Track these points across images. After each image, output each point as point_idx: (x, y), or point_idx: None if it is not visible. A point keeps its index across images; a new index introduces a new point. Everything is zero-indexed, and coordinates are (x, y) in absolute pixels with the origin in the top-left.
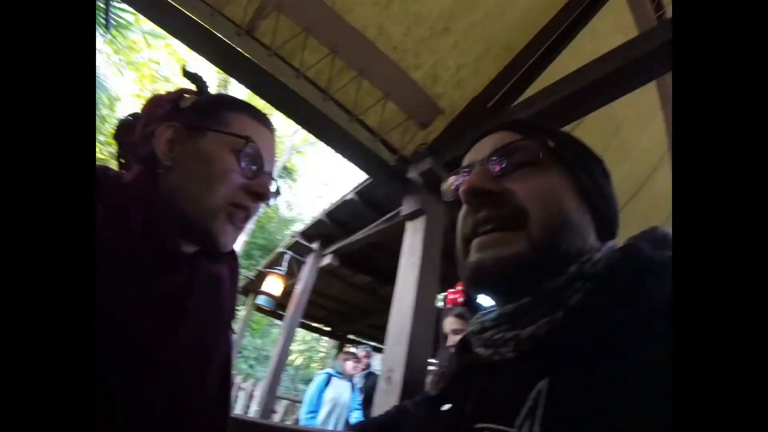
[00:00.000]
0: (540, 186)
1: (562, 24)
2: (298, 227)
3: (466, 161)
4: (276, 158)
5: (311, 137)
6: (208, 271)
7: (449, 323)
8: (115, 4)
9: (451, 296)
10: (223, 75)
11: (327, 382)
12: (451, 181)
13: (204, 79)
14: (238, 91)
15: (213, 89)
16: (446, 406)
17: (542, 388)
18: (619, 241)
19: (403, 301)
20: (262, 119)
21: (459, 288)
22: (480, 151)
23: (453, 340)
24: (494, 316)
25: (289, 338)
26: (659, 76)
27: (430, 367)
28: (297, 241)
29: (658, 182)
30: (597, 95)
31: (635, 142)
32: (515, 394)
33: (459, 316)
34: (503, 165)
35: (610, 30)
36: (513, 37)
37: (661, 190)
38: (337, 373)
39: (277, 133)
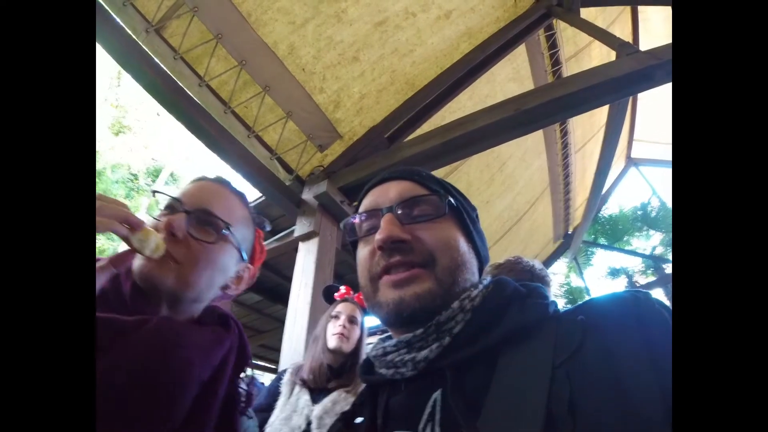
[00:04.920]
0: (443, 235)
1: (465, 67)
2: None
3: (369, 204)
4: (207, 197)
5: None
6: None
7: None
8: None
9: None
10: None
11: None
12: (357, 223)
13: None
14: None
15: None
16: (359, 420)
17: (437, 397)
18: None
19: (297, 322)
20: (200, 178)
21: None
22: (384, 196)
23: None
24: (394, 343)
25: None
26: (546, 126)
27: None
28: None
29: (538, 213)
30: (487, 139)
31: (519, 177)
32: (416, 405)
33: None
34: (411, 215)
35: (507, 77)
36: (417, 73)
37: (539, 219)
38: None
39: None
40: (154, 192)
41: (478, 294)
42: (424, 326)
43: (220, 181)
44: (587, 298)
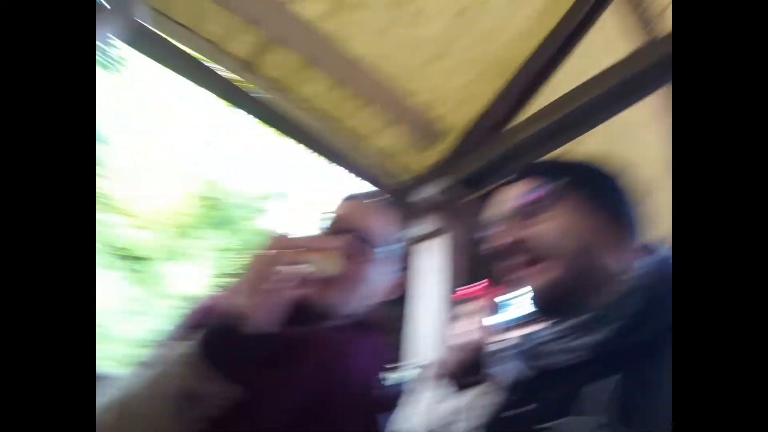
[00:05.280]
0: (557, 223)
1: (561, 35)
2: None
3: (491, 214)
4: (365, 217)
5: None
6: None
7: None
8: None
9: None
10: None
11: None
12: (488, 236)
13: None
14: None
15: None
16: (513, 411)
17: (615, 381)
18: None
19: (426, 320)
20: (349, 197)
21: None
22: (503, 203)
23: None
24: (562, 328)
25: None
26: (654, 91)
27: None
28: None
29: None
30: (602, 110)
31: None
32: (591, 389)
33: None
34: (525, 214)
35: (610, 39)
36: (510, 55)
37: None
38: None
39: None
40: (321, 214)
41: (647, 272)
42: (582, 313)
43: (371, 198)
44: None
